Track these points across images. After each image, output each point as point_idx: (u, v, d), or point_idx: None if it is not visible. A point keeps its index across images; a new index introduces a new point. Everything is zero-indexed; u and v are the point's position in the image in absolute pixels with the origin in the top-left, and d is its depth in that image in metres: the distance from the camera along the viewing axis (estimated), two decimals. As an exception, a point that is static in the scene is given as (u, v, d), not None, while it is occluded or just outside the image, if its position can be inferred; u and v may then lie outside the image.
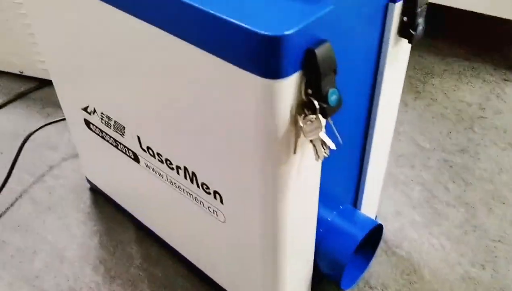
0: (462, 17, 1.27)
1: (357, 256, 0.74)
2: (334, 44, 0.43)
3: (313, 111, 0.44)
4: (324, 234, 0.67)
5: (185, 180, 0.63)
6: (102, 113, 0.71)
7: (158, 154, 0.64)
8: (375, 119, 0.63)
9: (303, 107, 0.45)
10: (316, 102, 0.44)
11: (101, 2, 0.54)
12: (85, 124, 0.77)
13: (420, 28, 0.55)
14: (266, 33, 0.39)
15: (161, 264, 0.80)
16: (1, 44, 1.18)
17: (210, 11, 0.42)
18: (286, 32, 0.39)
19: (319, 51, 0.42)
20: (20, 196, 0.93)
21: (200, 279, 0.77)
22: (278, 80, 0.42)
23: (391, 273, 0.79)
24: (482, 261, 0.80)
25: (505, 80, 1.20)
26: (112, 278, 0.78)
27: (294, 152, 0.48)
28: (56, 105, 1.14)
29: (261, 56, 0.41)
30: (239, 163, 0.52)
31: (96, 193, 0.93)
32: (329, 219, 0.68)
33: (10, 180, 0.94)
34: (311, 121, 0.45)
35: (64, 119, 1.03)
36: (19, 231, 0.86)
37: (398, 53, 0.59)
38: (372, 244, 0.74)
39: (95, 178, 0.91)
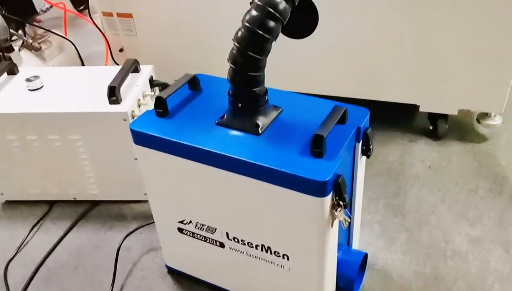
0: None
1: (358, 275, 1.25)
2: (343, 171, 0.96)
3: (339, 206, 0.96)
4: (339, 264, 1.17)
5: (261, 252, 1.11)
6: (197, 222, 1.17)
7: (242, 240, 1.12)
8: (355, 200, 1.17)
9: (334, 205, 0.97)
10: (341, 202, 0.96)
11: (213, 167, 1.02)
12: (178, 231, 1.23)
13: (371, 149, 1.10)
14: (320, 179, 0.91)
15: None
16: (59, 177, 1.58)
17: (288, 171, 0.93)
18: (328, 178, 0.91)
19: (340, 181, 0.94)
20: (123, 287, 1.34)
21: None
22: (324, 197, 0.94)
23: (374, 280, 1.31)
24: (423, 261, 1.35)
25: (410, 141, 1.81)
26: (212, 324, 1.22)
27: (332, 226, 1.00)
28: (113, 218, 1.57)
29: (317, 190, 0.93)
30: (302, 237, 1.02)
31: (174, 273, 1.36)
32: (339, 256, 1.19)
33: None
34: (339, 211, 0.97)
35: (136, 229, 1.47)
36: (135, 310, 1.28)
37: (361, 162, 1.14)
38: (362, 266, 1.25)
39: (175, 263, 1.35)
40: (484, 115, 1.76)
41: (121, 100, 1.44)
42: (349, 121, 1.06)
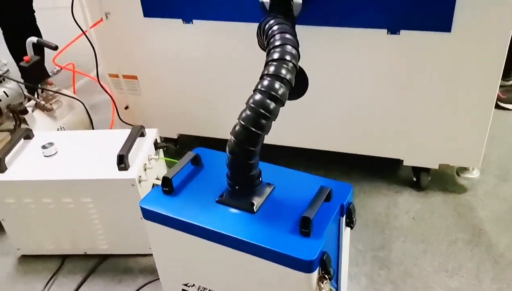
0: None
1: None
2: (328, 245, 1.10)
3: (325, 279, 1.10)
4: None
5: (258, 313, 1.24)
6: (199, 286, 1.30)
7: (240, 303, 1.26)
8: (341, 265, 1.30)
9: (320, 278, 1.10)
10: (326, 276, 1.10)
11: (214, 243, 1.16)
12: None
13: (354, 222, 1.24)
14: (307, 259, 1.05)
15: None
16: (71, 234, 1.72)
17: (279, 251, 1.07)
18: (314, 258, 1.05)
19: (325, 258, 1.08)
20: (132, 341, 1.47)
21: None
22: (311, 273, 1.07)
23: (362, 333, 1.44)
24: (406, 313, 1.49)
25: (396, 192, 1.95)
26: None
27: (318, 296, 1.13)
28: (121, 272, 1.70)
29: (305, 267, 1.06)
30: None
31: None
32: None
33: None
34: (325, 283, 1.10)
35: (144, 285, 1.60)
36: None
37: (346, 233, 1.27)
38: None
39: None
40: (463, 169, 1.90)
41: (129, 166, 1.58)
42: (333, 198, 1.20)
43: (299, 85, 1.85)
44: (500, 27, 1.54)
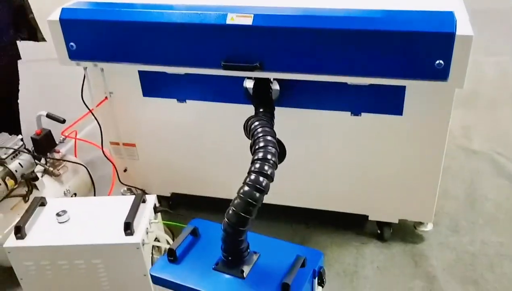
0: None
1: None
2: None
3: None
4: None
5: None
6: (199, 338, 1.57)
7: None
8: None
9: (298, 332, 1.38)
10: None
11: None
12: None
13: (324, 282, 1.53)
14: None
15: None
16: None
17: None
18: (293, 317, 1.33)
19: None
20: None
21: None
22: (291, 328, 1.35)
23: None
24: None
25: (362, 243, 2.26)
26: None
27: None
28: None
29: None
30: None
31: None
32: None
33: None
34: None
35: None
36: None
37: (318, 290, 1.56)
38: None
39: None
40: (419, 223, 2.23)
41: (134, 232, 1.85)
42: (307, 264, 1.49)
43: (279, 154, 2.16)
44: (441, 109, 1.88)
